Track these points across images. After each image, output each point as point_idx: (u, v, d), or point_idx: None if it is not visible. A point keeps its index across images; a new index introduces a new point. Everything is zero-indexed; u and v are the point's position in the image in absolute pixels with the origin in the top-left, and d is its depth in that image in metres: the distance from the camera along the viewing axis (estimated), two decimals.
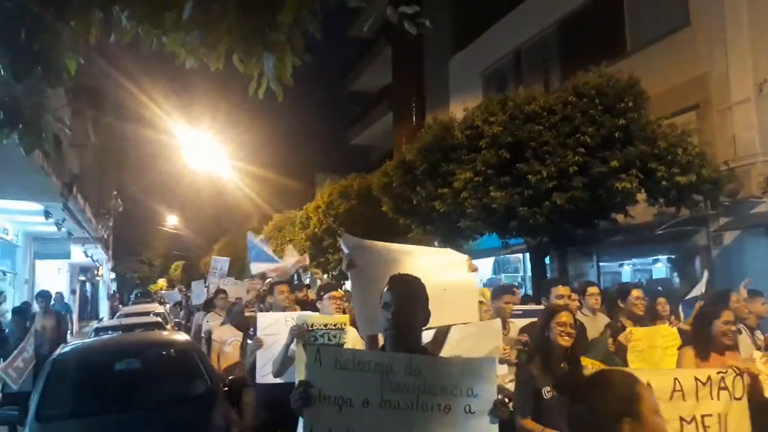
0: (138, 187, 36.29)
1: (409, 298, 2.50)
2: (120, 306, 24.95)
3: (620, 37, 12.64)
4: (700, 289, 6.33)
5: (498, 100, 9.70)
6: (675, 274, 12.29)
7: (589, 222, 9.54)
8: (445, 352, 3.16)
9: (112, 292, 32.16)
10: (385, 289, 2.55)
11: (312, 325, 4.17)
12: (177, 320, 16.77)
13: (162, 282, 51.34)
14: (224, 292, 8.97)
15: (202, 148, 23.62)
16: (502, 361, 4.25)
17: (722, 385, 3.24)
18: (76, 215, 14.15)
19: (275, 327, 4.82)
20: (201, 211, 43.39)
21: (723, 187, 9.01)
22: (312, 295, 8.42)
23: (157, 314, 14.52)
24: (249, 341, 5.22)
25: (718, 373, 3.28)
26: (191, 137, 22.33)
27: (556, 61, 14.84)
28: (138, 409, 5.08)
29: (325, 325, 4.19)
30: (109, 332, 10.66)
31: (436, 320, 2.86)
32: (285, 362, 4.27)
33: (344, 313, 4.66)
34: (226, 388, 5.85)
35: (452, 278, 3.34)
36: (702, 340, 3.87)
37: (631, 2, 12.58)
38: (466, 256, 3.53)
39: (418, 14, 2.46)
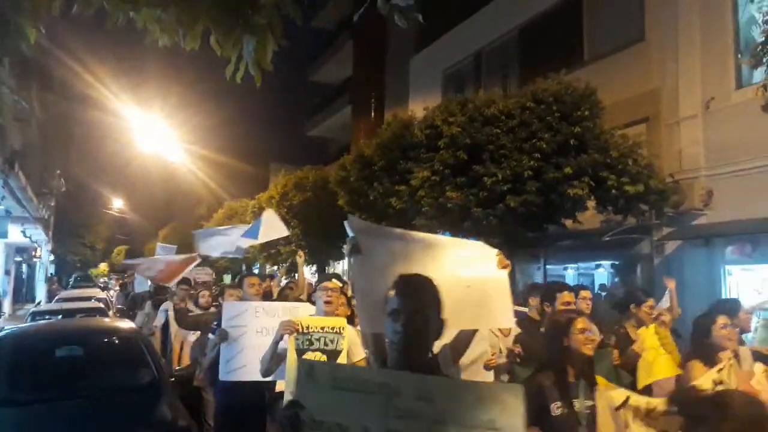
0: (83, 167, 35.04)
1: (421, 306, 2.09)
2: (59, 289, 23.99)
3: (578, 46, 12.91)
4: (666, 302, 6.19)
5: (458, 102, 9.78)
6: (617, 279, 12.69)
7: (540, 226, 9.76)
8: None
9: (50, 274, 30.83)
10: (392, 293, 2.12)
11: (308, 327, 3.71)
12: (119, 306, 16.27)
13: (104, 266, 49.74)
14: (187, 282, 8.25)
15: (152, 131, 22.99)
16: (488, 368, 4.13)
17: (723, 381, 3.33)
18: (16, 192, 13.53)
19: (242, 318, 4.50)
20: (150, 194, 42.34)
21: (668, 198, 9.28)
22: (275, 286, 8.22)
23: (99, 299, 14.09)
24: (211, 335, 4.92)
25: (719, 371, 3.36)
26: (141, 119, 21.72)
27: (516, 65, 15.05)
28: (79, 398, 4.89)
29: (322, 328, 3.74)
30: (47, 317, 10.27)
31: (457, 322, 2.51)
32: (274, 360, 3.74)
33: (333, 305, 4.10)
34: (173, 380, 5.71)
35: (478, 274, 2.92)
36: (705, 350, 3.81)
37: (590, 13, 12.87)
38: (495, 250, 3.10)
39: (410, 8, 2.40)
